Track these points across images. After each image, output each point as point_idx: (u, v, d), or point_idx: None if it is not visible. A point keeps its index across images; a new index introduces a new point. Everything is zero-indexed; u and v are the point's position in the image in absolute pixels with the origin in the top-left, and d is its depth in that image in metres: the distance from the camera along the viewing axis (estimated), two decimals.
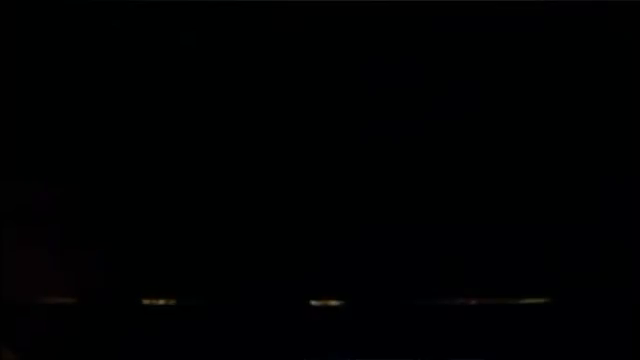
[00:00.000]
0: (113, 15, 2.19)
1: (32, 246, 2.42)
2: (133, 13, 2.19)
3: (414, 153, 2.31)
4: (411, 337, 2.47)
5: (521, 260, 2.39)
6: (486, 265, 2.41)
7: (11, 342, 2.43)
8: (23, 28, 2.21)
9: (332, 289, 3.00)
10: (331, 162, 2.33)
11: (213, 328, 2.52)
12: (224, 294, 2.81)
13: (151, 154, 2.36)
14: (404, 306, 2.51)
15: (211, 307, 2.63)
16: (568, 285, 2.42)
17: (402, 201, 2.36)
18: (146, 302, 2.61)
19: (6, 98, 2.28)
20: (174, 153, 2.35)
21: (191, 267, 2.61)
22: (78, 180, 2.38)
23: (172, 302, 2.61)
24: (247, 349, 2.50)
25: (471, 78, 2.23)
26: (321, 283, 2.81)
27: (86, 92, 2.30)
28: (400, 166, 2.32)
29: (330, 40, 2.21)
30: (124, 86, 2.28)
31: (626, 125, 2.19)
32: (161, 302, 2.67)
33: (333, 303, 2.95)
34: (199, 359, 2.51)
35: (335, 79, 2.25)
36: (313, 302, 2.94)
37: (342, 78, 2.25)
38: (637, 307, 2.37)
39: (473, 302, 2.74)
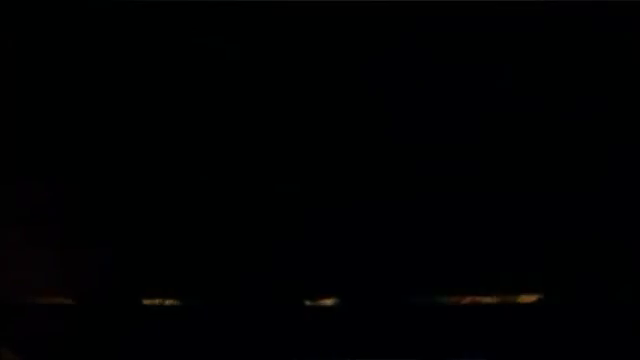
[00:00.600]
0: (113, 15, 2.19)
1: (31, 246, 2.42)
2: (134, 13, 2.19)
3: (412, 153, 2.32)
4: (411, 337, 2.47)
5: (520, 259, 2.39)
6: (484, 263, 2.41)
7: (11, 342, 2.43)
8: (23, 28, 2.20)
9: (329, 288, 3.00)
10: (328, 162, 2.34)
11: (211, 328, 2.52)
12: (221, 294, 2.81)
13: (150, 155, 2.36)
14: (403, 306, 2.51)
15: (208, 307, 2.64)
16: (568, 285, 2.43)
17: (400, 199, 2.36)
18: (146, 302, 2.61)
19: (6, 98, 2.27)
20: (173, 154, 2.35)
21: (188, 267, 2.61)
22: (78, 180, 2.38)
23: (171, 302, 2.61)
24: (245, 349, 2.50)
25: (471, 78, 2.23)
26: (317, 282, 2.82)
27: (86, 93, 2.30)
28: (397, 166, 2.33)
29: (329, 40, 2.22)
30: (124, 87, 2.28)
31: (626, 126, 2.20)
32: (160, 302, 2.67)
33: (331, 303, 2.95)
34: (197, 358, 2.51)
35: (334, 79, 2.26)
36: (308, 302, 2.94)
37: (341, 78, 2.25)
38: (637, 307, 2.38)
39: (471, 301, 2.75)
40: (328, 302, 2.97)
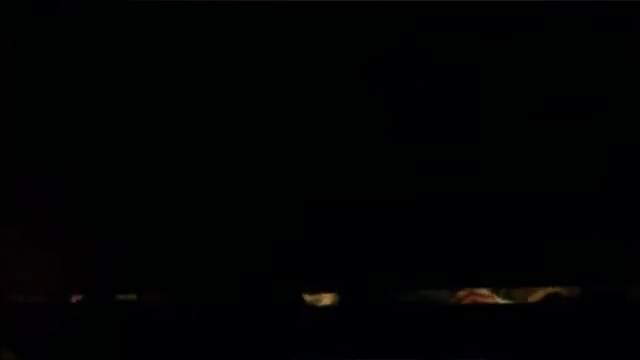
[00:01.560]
0: (113, 14, 2.19)
1: (29, 245, 2.41)
2: (133, 13, 2.19)
3: (413, 152, 2.31)
4: (410, 337, 2.47)
5: (521, 259, 2.38)
6: (485, 262, 2.41)
7: (10, 342, 2.42)
8: (23, 28, 2.20)
9: (328, 287, 2.99)
10: (327, 162, 2.33)
11: (211, 328, 2.52)
12: (221, 294, 2.81)
13: (149, 155, 2.35)
14: (403, 306, 2.51)
15: (208, 307, 2.64)
16: (569, 285, 2.42)
17: (401, 198, 2.35)
18: (146, 302, 2.62)
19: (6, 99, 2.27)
20: (172, 154, 2.35)
21: (188, 267, 2.61)
22: (75, 179, 2.38)
23: (171, 302, 2.61)
24: (245, 349, 2.50)
25: (470, 77, 2.23)
26: (316, 281, 2.81)
27: (86, 92, 2.30)
28: (398, 165, 2.32)
29: (329, 40, 2.22)
30: (123, 86, 2.28)
31: (627, 127, 2.20)
32: (160, 302, 2.67)
33: (331, 303, 2.94)
34: (197, 358, 2.51)
35: (334, 79, 2.26)
36: (308, 302, 2.93)
37: (341, 78, 2.25)
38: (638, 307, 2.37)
39: (471, 300, 2.74)
40: (328, 302, 2.96)
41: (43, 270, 2.43)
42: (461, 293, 2.93)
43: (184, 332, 2.51)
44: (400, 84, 2.24)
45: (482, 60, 2.21)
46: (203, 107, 2.30)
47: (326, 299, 3.03)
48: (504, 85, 2.23)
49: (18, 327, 2.45)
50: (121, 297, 2.68)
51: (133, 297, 2.92)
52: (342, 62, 2.23)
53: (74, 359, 2.48)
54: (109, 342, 2.50)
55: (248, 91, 2.28)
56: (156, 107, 2.30)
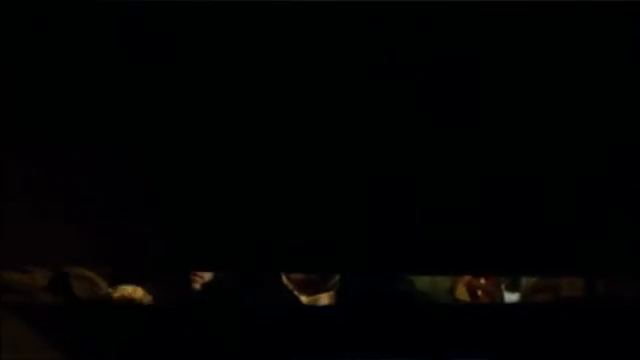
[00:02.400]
0: (113, 14, 2.19)
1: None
2: (133, 13, 2.19)
3: (412, 149, 2.31)
4: (411, 337, 2.47)
5: (523, 258, 2.39)
6: (488, 260, 2.40)
7: (11, 342, 2.42)
8: (23, 28, 2.20)
9: (327, 286, 3.00)
10: (326, 161, 2.33)
11: (211, 328, 2.52)
12: (221, 292, 2.81)
13: (152, 158, 2.34)
14: (403, 306, 2.52)
15: (209, 307, 2.64)
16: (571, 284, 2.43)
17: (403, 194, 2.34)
18: (146, 302, 2.62)
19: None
20: (175, 157, 2.34)
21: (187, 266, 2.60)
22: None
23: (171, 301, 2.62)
24: (245, 349, 2.50)
25: (472, 76, 2.23)
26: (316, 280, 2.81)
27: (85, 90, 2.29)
28: (398, 161, 2.32)
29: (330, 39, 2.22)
30: (129, 86, 2.27)
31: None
32: (161, 301, 2.68)
33: (330, 302, 2.95)
34: (197, 358, 2.51)
35: (336, 77, 2.26)
36: (307, 302, 2.94)
37: (342, 75, 2.25)
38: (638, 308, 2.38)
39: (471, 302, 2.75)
40: (327, 302, 2.97)
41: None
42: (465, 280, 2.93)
43: (184, 332, 2.52)
44: (404, 82, 2.24)
45: (483, 59, 2.21)
46: (214, 108, 2.28)
47: (325, 299, 3.03)
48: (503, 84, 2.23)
49: (19, 327, 2.45)
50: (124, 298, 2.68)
51: (133, 296, 2.92)
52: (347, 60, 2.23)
53: (73, 359, 2.48)
54: (108, 342, 2.50)
55: (254, 93, 2.28)
56: (166, 108, 2.28)
